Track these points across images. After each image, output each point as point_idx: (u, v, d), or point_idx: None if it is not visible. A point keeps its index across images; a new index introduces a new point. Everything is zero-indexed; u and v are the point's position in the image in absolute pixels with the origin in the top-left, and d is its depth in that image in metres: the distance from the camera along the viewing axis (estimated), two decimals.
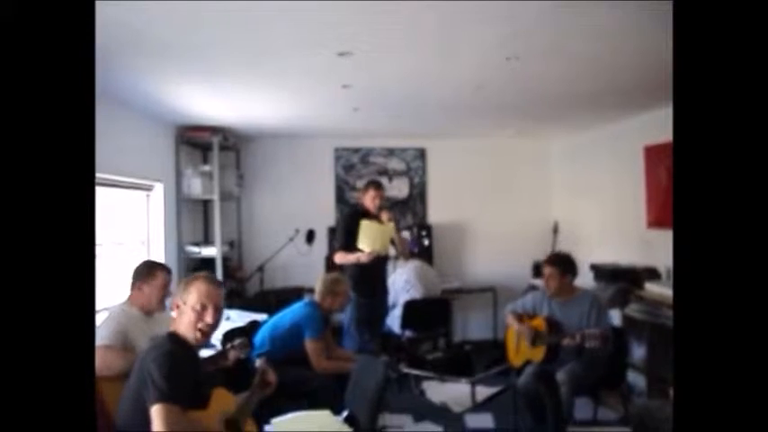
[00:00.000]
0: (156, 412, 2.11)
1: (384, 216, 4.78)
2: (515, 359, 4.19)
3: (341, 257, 4.78)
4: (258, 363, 2.77)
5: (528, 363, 4.03)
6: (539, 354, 3.92)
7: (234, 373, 3.07)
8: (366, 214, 4.82)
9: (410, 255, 5.81)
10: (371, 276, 4.85)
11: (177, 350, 2.31)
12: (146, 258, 3.43)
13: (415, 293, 5.53)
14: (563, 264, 4.06)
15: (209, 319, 2.43)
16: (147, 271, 3.19)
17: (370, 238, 4.64)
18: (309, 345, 3.89)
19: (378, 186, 4.93)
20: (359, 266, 4.70)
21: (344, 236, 4.83)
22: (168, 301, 3.25)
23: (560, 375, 3.76)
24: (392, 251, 5.45)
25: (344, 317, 4.79)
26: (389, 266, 6.02)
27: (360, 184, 6.38)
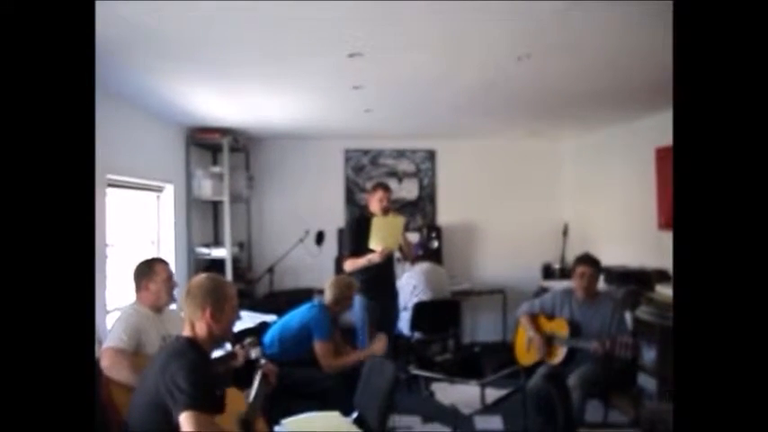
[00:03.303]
0: (187, 419, 2.12)
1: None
2: (525, 358, 4.17)
3: (351, 264, 4.73)
4: (254, 355, 2.78)
5: (539, 363, 4.02)
6: (558, 355, 3.90)
7: (244, 373, 3.07)
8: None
9: (415, 258, 5.79)
10: (381, 278, 4.82)
11: (198, 357, 2.33)
12: (144, 258, 3.44)
13: (424, 297, 5.52)
14: (597, 264, 4.06)
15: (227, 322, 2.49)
16: (149, 269, 3.21)
17: (381, 235, 4.61)
18: (318, 346, 3.90)
19: (385, 188, 4.90)
20: (369, 268, 4.67)
21: (353, 242, 4.80)
22: (176, 293, 3.27)
23: (572, 380, 3.74)
24: (398, 254, 5.46)
25: (356, 319, 4.77)
26: (399, 269, 6.04)
27: (369, 185, 6.36)
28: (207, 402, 2.21)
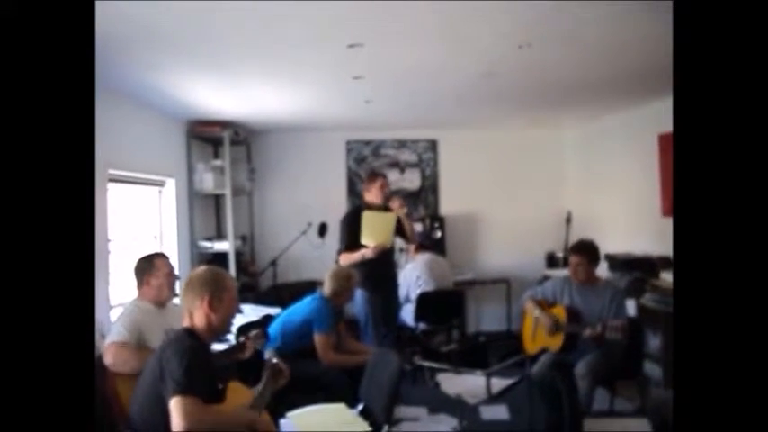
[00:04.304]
0: (175, 404, 2.11)
1: (396, 203, 4.72)
2: (531, 346, 4.17)
3: (345, 258, 4.69)
4: (267, 355, 2.77)
5: (544, 351, 4.01)
6: (556, 342, 3.90)
7: (249, 366, 3.07)
8: (369, 209, 4.75)
9: (419, 247, 5.78)
10: (380, 271, 4.78)
11: (195, 345, 2.31)
12: (144, 253, 3.42)
13: (427, 288, 5.52)
14: (591, 252, 4.04)
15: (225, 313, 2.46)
16: (149, 264, 3.20)
17: (373, 231, 4.57)
18: (318, 338, 3.89)
19: (384, 175, 4.90)
20: (367, 262, 4.64)
21: (348, 236, 4.75)
22: (178, 286, 3.26)
23: (580, 368, 3.73)
24: (401, 243, 5.44)
25: (359, 313, 4.76)
26: (401, 259, 6.03)
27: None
28: (199, 389, 2.19)
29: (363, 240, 4.56)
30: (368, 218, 4.57)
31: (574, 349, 3.85)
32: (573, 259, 4.05)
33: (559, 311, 3.98)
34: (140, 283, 3.18)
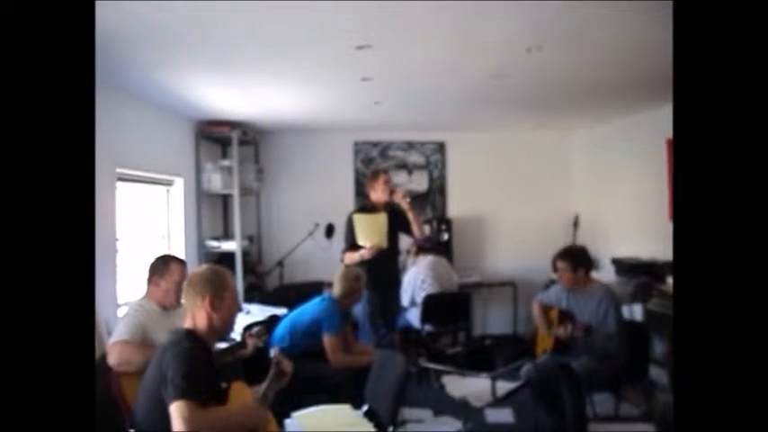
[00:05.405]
0: (175, 409, 2.07)
1: (398, 195, 4.73)
2: (538, 349, 4.22)
3: (348, 258, 4.72)
4: (272, 353, 2.76)
5: (544, 352, 4.06)
6: (549, 343, 3.95)
7: (252, 363, 3.07)
8: (372, 210, 4.76)
9: (420, 250, 5.78)
10: (380, 270, 4.78)
11: (195, 347, 2.27)
12: (162, 253, 3.39)
13: (432, 291, 5.52)
14: (573, 258, 4.05)
15: (227, 312, 2.43)
16: (162, 266, 3.17)
17: (366, 232, 4.61)
18: (327, 339, 3.90)
19: (386, 171, 4.92)
20: (368, 262, 4.65)
21: (349, 237, 4.79)
22: None
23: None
24: (407, 245, 5.44)
25: (358, 312, 4.77)
26: (408, 262, 6.03)
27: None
28: (200, 392, 2.15)
29: (359, 242, 4.59)
30: (359, 220, 4.61)
31: (567, 351, 3.87)
32: (558, 265, 4.10)
33: (554, 315, 4.02)
34: (150, 282, 3.16)
